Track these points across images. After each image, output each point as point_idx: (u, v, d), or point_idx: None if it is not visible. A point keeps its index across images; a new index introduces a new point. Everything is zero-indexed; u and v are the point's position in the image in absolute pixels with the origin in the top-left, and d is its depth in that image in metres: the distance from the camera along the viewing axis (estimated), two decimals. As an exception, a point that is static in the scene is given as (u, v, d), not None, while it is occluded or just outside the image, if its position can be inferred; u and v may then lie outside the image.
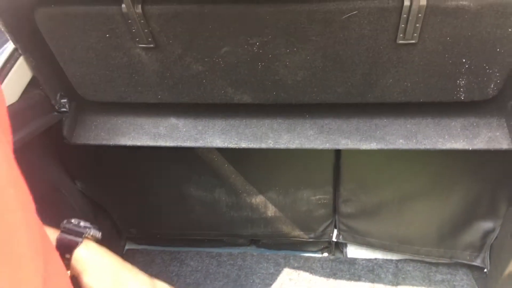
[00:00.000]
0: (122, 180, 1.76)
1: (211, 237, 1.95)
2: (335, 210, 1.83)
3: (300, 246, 1.98)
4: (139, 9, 1.06)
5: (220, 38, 1.11)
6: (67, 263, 0.74)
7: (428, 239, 1.74)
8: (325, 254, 1.98)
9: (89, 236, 0.78)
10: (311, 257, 1.95)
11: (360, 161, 1.62)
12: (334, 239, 1.90)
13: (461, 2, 0.99)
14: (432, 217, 1.68)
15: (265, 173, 1.74)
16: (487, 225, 1.62)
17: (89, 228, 0.78)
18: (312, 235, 1.88)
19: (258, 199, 1.78)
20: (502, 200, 1.55)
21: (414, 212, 1.70)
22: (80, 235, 0.76)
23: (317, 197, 1.73)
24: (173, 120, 1.39)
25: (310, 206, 1.79)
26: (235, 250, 1.97)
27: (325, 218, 1.84)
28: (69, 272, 0.74)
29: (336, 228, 1.88)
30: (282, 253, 1.97)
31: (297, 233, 1.88)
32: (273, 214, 1.82)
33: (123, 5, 1.05)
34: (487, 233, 1.65)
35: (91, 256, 0.76)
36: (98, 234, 0.80)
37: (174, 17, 1.08)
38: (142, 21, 1.08)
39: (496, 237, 1.62)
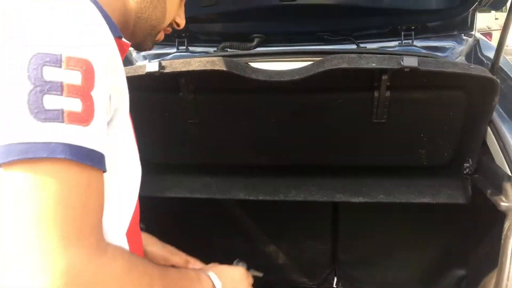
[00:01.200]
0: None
1: None
2: (334, 258, 2.16)
3: None
4: (191, 96, 1.52)
5: (248, 118, 1.55)
6: None
7: (413, 285, 2.05)
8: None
9: None
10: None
11: (354, 215, 1.94)
12: (334, 285, 2.19)
13: (415, 95, 1.43)
14: (415, 265, 2.00)
15: (275, 224, 2.02)
16: (460, 272, 1.93)
17: None
18: (315, 282, 2.18)
19: (271, 248, 2.12)
20: (468, 249, 1.86)
21: (401, 261, 2.00)
22: None
23: (319, 246, 2.08)
24: (207, 178, 1.79)
25: (312, 254, 2.06)
26: None
27: (326, 266, 2.09)
28: None
29: (336, 276, 2.19)
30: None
31: (303, 279, 2.18)
32: (282, 262, 2.12)
33: (181, 93, 1.51)
34: (460, 279, 1.95)
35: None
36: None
37: (216, 103, 1.53)
38: (193, 104, 1.53)
39: (468, 283, 1.93)
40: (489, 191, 1.35)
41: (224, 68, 1.30)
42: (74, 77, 0.57)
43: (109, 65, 0.64)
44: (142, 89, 1.41)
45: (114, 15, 0.77)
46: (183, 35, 1.78)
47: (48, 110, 0.54)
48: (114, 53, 0.67)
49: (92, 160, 0.58)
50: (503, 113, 1.42)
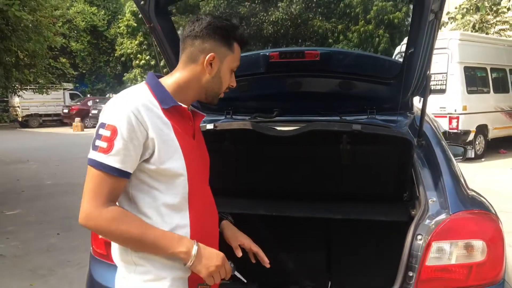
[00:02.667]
0: None
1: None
2: (329, 266, 2.76)
3: None
4: (232, 146, 2.43)
5: (266, 161, 2.45)
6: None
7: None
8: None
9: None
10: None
11: (342, 231, 2.59)
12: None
13: (367, 147, 2.29)
14: (388, 271, 2.59)
15: (282, 237, 2.66)
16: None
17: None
18: (313, 285, 2.67)
19: (278, 254, 2.64)
20: None
21: (377, 268, 2.36)
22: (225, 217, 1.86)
23: (316, 256, 2.80)
24: (239, 199, 2.59)
25: (310, 262, 2.66)
26: None
27: (322, 273, 2.66)
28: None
29: (330, 281, 2.65)
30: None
31: (303, 283, 2.70)
32: (286, 267, 2.69)
33: (225, 143, 2.44)
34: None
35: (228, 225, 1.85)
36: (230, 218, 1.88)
37: (246, 151, 2.44)
38: (232, 150, 2.44)
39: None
40: (414, 211, 2.13)
41: (250, 128, 2.23)
42: (107, 132, 1.39)
43: (132, 125, 1.39)
44: (206, 141, 2.36)
45: (182, 88, 1.53)
46: (229, 108, 2.73)
47: (96, 145, 1.40)
48: (142, 118, 1.40)
49: (105, 169, 1.39)
50: (423, 159, 2.23)
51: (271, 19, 19.67)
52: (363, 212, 2.40)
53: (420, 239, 1.82)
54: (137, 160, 1.44)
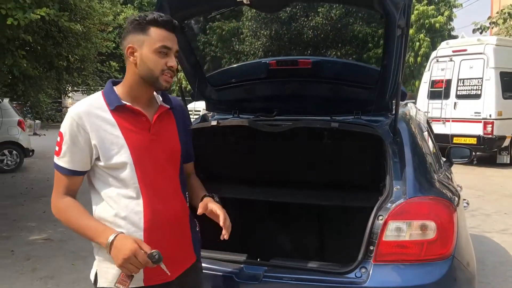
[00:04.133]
0: None
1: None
2: (322, 247, 3.12)
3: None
4: (233, 139, 2.86)
5: (262, 153, 2.87)
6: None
7: None
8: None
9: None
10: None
11: (331, 218, 3.01)
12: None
13: (346, 143, 2.65)
14: None
15: (280, 222, 3.11)
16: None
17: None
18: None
19: (276, 238, 3.10)
20: None
21: None
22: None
23: (310, 238, 3.16)
24: (240, 186, 3.01)
25: (305, 243, 3.06)
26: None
27: (316, 253, 3.00)
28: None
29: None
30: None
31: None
32: (283, 249, 3.06)
33: (228, 137, 2.87)
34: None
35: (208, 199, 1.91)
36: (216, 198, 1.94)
37: (246, 145, 2.87)
38: (233, 144, 2.87)
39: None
40: None
41: (247, 124, 2.64)
42: (58, 138, 1.66)
43: (74, 130, 1.63)
44: (211, 135, 2.80)
45: (130, 86, 1.70)
46: (236, 108, 3.14)
47: (55, 149, 1.69)
48: (83, 123, 1.62)
49: (58, 169, 1.67)
50: (396, 154, 2.53)
51: (311, 24, 19.92)
52: (345, 199, 2.76)
53: (381, 219, 2.16)
54: (88, 159, 1.68)
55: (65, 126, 1.66)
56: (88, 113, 1.65)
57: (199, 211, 1.83)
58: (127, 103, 1.70)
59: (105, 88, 1.75)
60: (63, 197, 1.70)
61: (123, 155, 1.67)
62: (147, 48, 1.68)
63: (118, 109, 1.68)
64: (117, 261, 1.56)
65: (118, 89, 1.74)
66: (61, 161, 1.68)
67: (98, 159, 1.68)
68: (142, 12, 1.78)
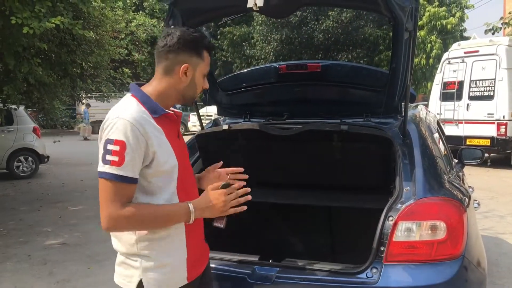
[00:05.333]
0: None
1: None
2: (333, 249, 3.17)
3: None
4: (244, 142, 2.90)
5: (273, 155, 2.90)
6: None
7: None
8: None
9: None
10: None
11: (342, 219, 3.04)
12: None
13: (355, 145, 2.68)
14: None
15: (291, 223, 3.14)
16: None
17: None
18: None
19: (289, 238, 3.13)
20: None
21: None
22: None
23: (321, 239, 3.19)
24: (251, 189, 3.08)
25: (317, 244, 3.10)
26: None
27: (327, 255, 3.02)
28: None
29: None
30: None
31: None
32: (295, 250, 3.10)
33: (239, 140, 2.91)
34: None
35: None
36: None
37: (256, 147, 2.90)
38: (244, 146, 2.90)
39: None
40: None
41: (258, 128, 2.69)
42: (116, 147, 1.56)
43: (137, 138, 1.57)
44: (222, 139, 2.85)
45: (167, 97, 1.73)
46: (247, 112, 3.18)
47: (107, 160, 1.58)
48: (143, 130, 1.58)
49: (120, 179, 1.57)
50: (406, 155, 2.55)
51: (322, 28, 19.96)
52: (355, 200, 2.79)
53: (391, 220, 2.18)
54: (140, 166, 1.65)
55: (126, 133, 1.59)
56: (144, 120, 1.65)
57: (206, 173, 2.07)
58: (170, 111, 1.76)
59: (137, 94, 1.73)
60: (125, 206, 1.62)
61: (172, 162, 1.72)
62: (200, 72, 1.78)
63: (160, 117, 1.71)
64: (213, 214, 1.78)
65: (152, 97, 1.75)
66: (124, 170, 1.59)
67: (147, 166, 1.67)
68: (189, 29, 1.76)
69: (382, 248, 2.17)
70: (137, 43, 29.25)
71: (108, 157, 1.59)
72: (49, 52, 7.27)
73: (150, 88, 1.77)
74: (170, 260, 1.74)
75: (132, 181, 1.62)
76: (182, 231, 1.77)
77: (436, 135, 3.17)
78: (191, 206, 1.72)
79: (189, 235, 1.80)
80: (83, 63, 8.28)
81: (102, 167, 1.61)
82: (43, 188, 9.69)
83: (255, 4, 2.18)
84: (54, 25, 5.68)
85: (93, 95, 12.74)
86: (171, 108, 1.84)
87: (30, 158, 11.01)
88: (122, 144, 1.58)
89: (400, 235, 2.18)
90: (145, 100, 1.71)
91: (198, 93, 1.83)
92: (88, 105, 21.46)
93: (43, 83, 7.58)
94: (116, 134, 1.59)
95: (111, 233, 1.79)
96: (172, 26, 1.86)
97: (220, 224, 1.92)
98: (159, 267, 1.72)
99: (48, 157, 11.39)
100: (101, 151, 1.63)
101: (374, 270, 2.14)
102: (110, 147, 1.59)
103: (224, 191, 1.75)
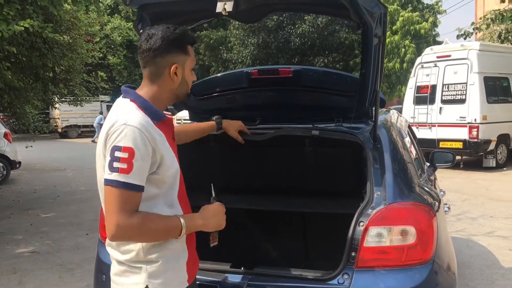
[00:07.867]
0: None
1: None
2: (307, 254, 3.18)
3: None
4: (217, 146, 2.88)
5: (246, 160, 2.88)
6: None
7: None
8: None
9: None
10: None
11: (315, 223, 3.06)
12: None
13: (327, 150, 2.68)
14: None
15: (264, 229, 3.12)
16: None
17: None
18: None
19: (261, 244, 3.10)
20: None
21: None
22: None
23: (294, 245, 3.19)
24: (223, 195, 3.05)
25: (290, 250, 3.09)
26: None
27: (301, 260, 3.05)
28: None
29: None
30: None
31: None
32: (269, 256, 3.08)
33: (212, 144, 2.88)
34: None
35: None
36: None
37: (229, 151, 2.88)
38: (217, 150, 2.88)
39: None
40: None
41: None
42: (124, 154, 1.52)
43: (145, 145, 1.54)
44: (194, 144, 2.80)
45: (162, 101, 1.72)
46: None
47: (114, 167, 1.53)
48: (150, 137, 1.56)
49: (128, 187, 1.52)
50: (377, 160, 2.56)
51: (298, 32, 20.07)
52: (328, 206, 2.79)
53: (362, 225, 2.18)
54: (147, 174, 1.61)
55: (135, 140, 1.56)
56: (150, 126, 1.62)
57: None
58: (168, 116, 1.74)
59: (136, 99, 1.69)
60: (134, 214, 1.57)
61: (175, 165, 1.72)
62: (188, 68, 1.77)
63: (159, 122, 1.69)
64: (215, 227, 1.82)
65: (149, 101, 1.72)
66: (132, 178, 1.55)
67: (154, 173, 1.64)
68: (169, 26, 1.73)
69: (353, 254, 2.16)
70: (112, 46, 28.95)
71: (116, 164, 1.54)
72: (19, 56, 7.11)
73: (142, 92, 1.73)
74: (175, 263, 1.74)
75: (139, 189, 1.59)
76: (183, 240, 1.78)
77: (407, 140, 3.19)
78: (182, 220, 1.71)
79: (189, 236, 1.80)
80: (55, 67, 8.13)
81: (109, 175, 1.56)
82: (14, 195, 9.46)
83: (224, 9, 2.16)
84: (23, 28, 5.57)
85: (67, 99, 12.52)
86: (164, 112, 1.82)
87: (1, 164, 10.76)
88: (131, 151, 1.55)
89: (371, 240, 2.18)
90: (146, 105, 1.68)
91: (189, 87, 1.83)
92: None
93: (14, 87, 7.42)
94: (124, 141, 1.55)
95: (108, 243, 1.76)
96: (149, 27, 1.80)
97: (216, 243, 1.95)
98: (164, 272, 1.70)
99: (19, 162, 11.14)
100: (107, 158, 1.58)
101: (346, 276, 2.14)
102: (118, 154, 1.55)
103: (220, 209, 1.83)
